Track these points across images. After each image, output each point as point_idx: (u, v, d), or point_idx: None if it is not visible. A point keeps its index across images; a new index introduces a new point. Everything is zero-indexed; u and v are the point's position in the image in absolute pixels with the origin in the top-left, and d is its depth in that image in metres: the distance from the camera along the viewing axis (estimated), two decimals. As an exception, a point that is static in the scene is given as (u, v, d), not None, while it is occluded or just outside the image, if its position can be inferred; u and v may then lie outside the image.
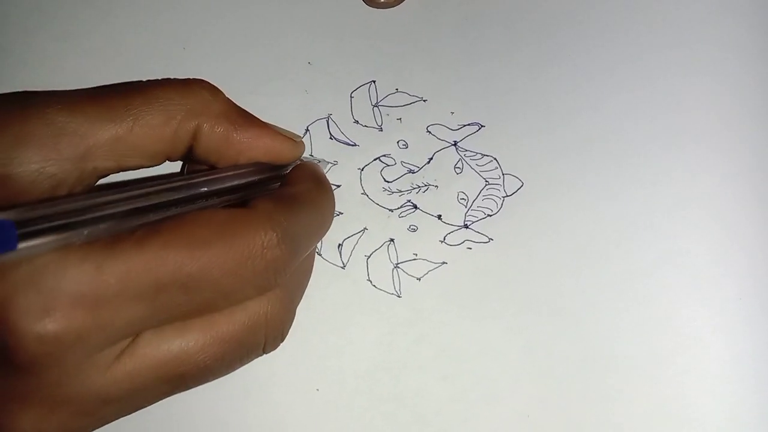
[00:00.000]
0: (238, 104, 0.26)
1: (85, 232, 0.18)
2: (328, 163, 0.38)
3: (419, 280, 0.38)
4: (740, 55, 0.40)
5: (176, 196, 0.21)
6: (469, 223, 0.38)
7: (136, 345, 0.20)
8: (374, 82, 0.40)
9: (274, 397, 0.37)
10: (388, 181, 0.39)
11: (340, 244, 0.38)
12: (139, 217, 0.20)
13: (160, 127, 0.22)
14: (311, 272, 0.30)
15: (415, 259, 0.38)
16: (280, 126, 0.28)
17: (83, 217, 0.18)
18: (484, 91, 0.40)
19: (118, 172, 0.23)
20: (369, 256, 0.38)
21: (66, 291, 0.18)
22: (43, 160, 0.20)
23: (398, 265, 0.38)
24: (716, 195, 0.39)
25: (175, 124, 0.23)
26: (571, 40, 0.40)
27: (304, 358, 0.37)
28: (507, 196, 0.39)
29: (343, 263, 0.38)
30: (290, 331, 0.37)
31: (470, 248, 0.38)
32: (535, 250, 0.38)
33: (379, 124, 0.39)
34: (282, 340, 0.26)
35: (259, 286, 0.22)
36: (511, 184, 0.39)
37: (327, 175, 0.39)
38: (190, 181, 0.22)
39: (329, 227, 0.28)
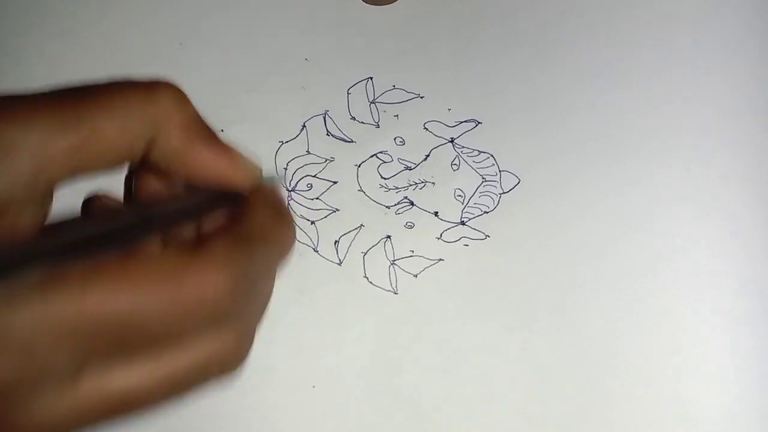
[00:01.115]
0: (204, 120, 0.25)
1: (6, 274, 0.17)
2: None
3: (416, 276, 0.38)
4: (739, 51, 0.40)
5: (117, 227, 0.21)
6: (465, 219, 0.38)
7: (79, 381, 0.19)
8: (371, 78, 0.40)
9: (271, 394, 0.37)
10: (384, 178, 0.39)
11: (336, 241, 0.38)
12: (72, 251, 0.19)
13: (117, 138, 0.21)
14: (271, 295, 0.30)
15: (411, 256, 0.38)
16: (240, 148, 0.27)
17: (13, 258, 0.17)
18: (481, 87, 0.40)
19: (73, 179, 0.22)
20: (365, 253, 0.38)
21: None
22: None
23: (395, 262, 0.38)
24: (715, 193, 0.38)
25: (131, 134, 0.21)
26: (568, 37, 0.40)
27: (300, 355, 0.37)
28: (504, 193, 0.39)
29: (340, 260, 0.38)
30: (286, 328, 0.37)
31: (467, 245, 0.38)
32: (531, 247, 0.38)
33: (376, 120, 0.39)
34: (239, 372, 0.25)
35: (210, 328, 0.21)
36: (508, 181, 0.39)
37: (322, 173, 0.39)
38: (135, 215, 0.22)
39: (289, 259, 0.28)
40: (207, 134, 0.25)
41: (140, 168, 0.25)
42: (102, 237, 0.20)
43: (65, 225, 0.20)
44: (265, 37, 0.40)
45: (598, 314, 0.38)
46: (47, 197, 0.23)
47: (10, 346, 0.17)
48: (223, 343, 0.23)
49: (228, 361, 0.23)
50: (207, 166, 0.24)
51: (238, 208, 0.28)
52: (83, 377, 0.20)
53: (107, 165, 0.22)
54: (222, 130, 0.38)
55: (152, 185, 0.29)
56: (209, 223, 0.27)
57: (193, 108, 0.24)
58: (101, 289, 0.18)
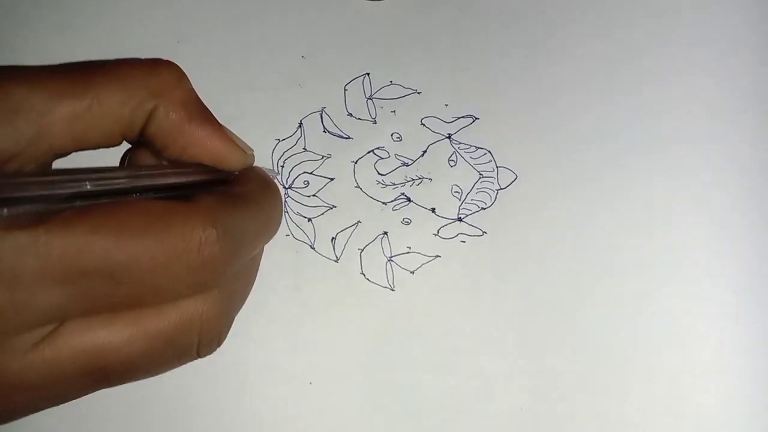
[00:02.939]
0: (203, 102, 0.25)
1: (5, 210, 0.17)
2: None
3: (413, 273, 0.38)
4: (738, 53, 0.39)
5: (110, 187, 0.21)
6: (462, 216, 0.38)
7: (58, 333, 0.20)
8: (368, 74, 0.39)
9: (268, 391, 0.37)
10: (381, 174, 0.39)
11: (333, 238, 0.38)
12: (68, 201, 0.19)
13: (119, 107, 0.21)
14: (255, 278, 0.29)
15: (408, 253, 0.38)
16: (240, 136, 0.27)
17: (6, 195, 0.18)
18: (478, 83, 0.39)
19: (75, 151, 0.22)
20: (362, 250, 0.38)
21: None
22: None
23: (392, 259, 0.38)
24: (711, 191, 0.38)
25: (134, 104, 0.22)
26: (566, 34, 0.40)
27: (297, 351, 0.37)
28: (501, 189, 0.39)
29: (337, 257, 0.38)
30: (283, 324, 0.37)
31: (464, 241, 0.38)
32: (528, 243, 0.38)
33: (373, 116, 0.39)
34: (218, 345, 0.25)
35: (194, 284, 0.21)
36: (505, 177, 0.39)
37: (318, 170, 0.39)
38: (128, 174, 0.22)
39: (276, 231, 0.27)
40: (204, 112, 0.25)
41: (136, 146, 0.26)
42: (96, 189, 0.20)
43: (64, 173, 0.20)
44: (262, 35, 0.40)
45: (594, 310, 0.37)
46: (48, 165, 0.23)
47: None
48: (206, 306, 0.23)
49: (209, 329, 0.23)
50: (202, 143, 0.24)
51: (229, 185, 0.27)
52: (63, 331, 0.20)
53: (107, 136, 0.22)
54: (218, 128, 0.38)
55: (146, 161, 0.29)
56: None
57: (192, 87, 0.24)
58: (89, 230, 0.18)
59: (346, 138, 0.39)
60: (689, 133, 0.39)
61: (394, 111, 0.39)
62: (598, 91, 0.39)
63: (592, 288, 0.37)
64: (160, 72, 0.23)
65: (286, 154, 0.39)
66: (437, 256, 0.38)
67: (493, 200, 0.38)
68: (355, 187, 0.39)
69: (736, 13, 0.39)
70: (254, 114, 0.39)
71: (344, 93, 0.39)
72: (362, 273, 0.38)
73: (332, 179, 0.39)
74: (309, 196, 0.38)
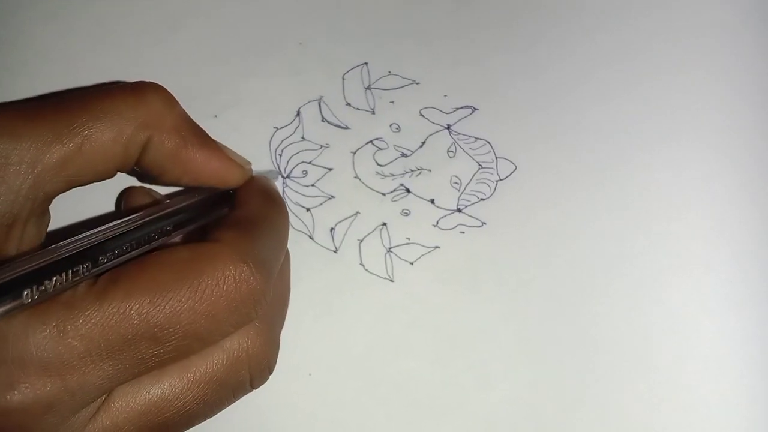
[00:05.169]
0: (193, 120, 0.24)
1: (26, 293, 0.16)
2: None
3: (412, 264, 0.38)
4: (741, 50, 0.40)
5: (124, 241, 0.20)
6: (462, 207, 0.38)
7: (112, 399, 0.19)
8: (366, 64, 0.39)
9: (267, 383, 0.36)
10: (380, 165, 0.39)
11: (332, 228, 0.38)
12: (90, 265, 0.18)
13: (110, 144, 0.21)
14: (289, 292, 0.29)
15: (407, 243, 0.38)
16: (232, 148, 0.27)
17: (32, 273, 0.17)
18: (477, 74, 0.39)
19: (68, 190, 0.21)
20: (362, 240, 0.38)
21: (30, 360, 0.17)
22: None
23: (391, 249, 0.38)
24: (708, 180, 0.39)
25: (125, 139, 0.21)
26: (566, 23, 0.40)
27: (296, 342, 0.37)
28: (500, 179, 0.39)
29: (336, 247, 0.38)
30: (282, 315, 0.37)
31: (463, 232, 0.38)
32: (528, 234, 0.38)
33: (372, 107, 0.39)
34: (270, 372, 0.25)
35: (237, 322, 0.21)
36: (505, 168, 0.39)
37: (317, 159, 0.38)
38: (140, 222, 0.21)
39: (288, 237, 0.28)
40: (198, 135, 0.24)
41: (131, 188, 0.24)
42: (111, 242, 0.19)
43: (69, 235, 0.19)
44: (258, 22, 0.39)
45: (594, 301, 0.38)
46: (46, 210, 0.22)
47: (43, 368, 0.16)
48: (250, 340, 0.22)
49: (258, 361, 0.23)
50: (200, 166, 0.24)
51: (233, 203, 0.27)
52: (116, 396, 0.19)
53: (102, 173, 0.21)
54: (216, 116, 0.38)
55: (140, 199, 0.28)
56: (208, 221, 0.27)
57: (182, 109, 0.24)
58: (122, 298, 0.18)
59: (344, 128, 0.39)
60: (692, 125, 0.39)
61: (393, 101, 0.39)
62: (599, 82, 0.39)
63: (592, 278, 0.38)
64: (147, 101, 0.22)
65: (285, 143, 0.38)
66: (436, 246, 0.38)
67: (492, 191, 0.38)
68: (354, 177, 0.38)
69: (740, 10, 0.40)
70: (252, 102, 0.38)
71: (342, 82, 0.39)
72: (361, 264, 0.38)
73: (331, 169, 0.38)
74: (307, 186, 0.38)
